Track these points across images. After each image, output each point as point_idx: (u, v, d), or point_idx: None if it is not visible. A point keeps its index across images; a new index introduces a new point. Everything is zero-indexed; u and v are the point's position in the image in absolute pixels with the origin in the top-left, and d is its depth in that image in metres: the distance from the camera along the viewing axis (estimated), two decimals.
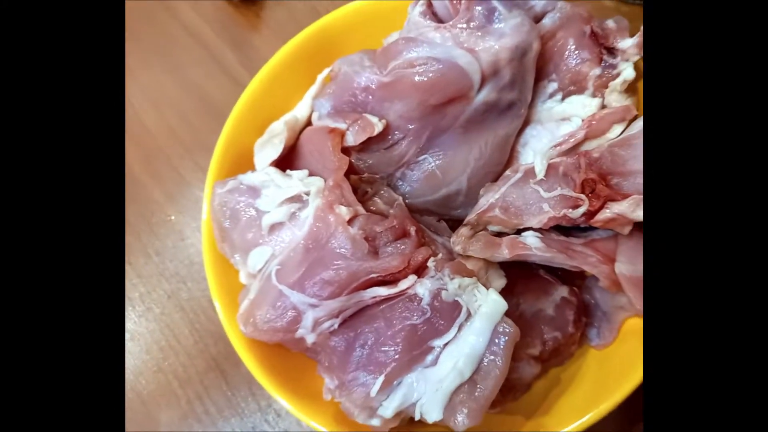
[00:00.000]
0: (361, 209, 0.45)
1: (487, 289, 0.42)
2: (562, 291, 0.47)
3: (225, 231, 0.48)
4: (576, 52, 0.48)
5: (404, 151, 0.48)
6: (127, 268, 0.62)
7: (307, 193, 0.46)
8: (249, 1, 0.69)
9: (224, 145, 0.52)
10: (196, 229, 0.62)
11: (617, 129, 0.46)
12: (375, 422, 0.41)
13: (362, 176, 0.49)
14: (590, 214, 0.42)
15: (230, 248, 0.48)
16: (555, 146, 0.46)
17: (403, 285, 0.42)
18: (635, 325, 0.46)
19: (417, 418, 0.41)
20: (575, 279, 0.48)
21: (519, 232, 0.45)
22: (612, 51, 0.48)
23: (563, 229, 0.45)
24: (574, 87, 0.48)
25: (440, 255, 0.44)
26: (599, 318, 0.47)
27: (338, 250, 0.43)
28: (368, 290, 0.42)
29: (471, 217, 0.46)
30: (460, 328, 0.41)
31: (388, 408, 0.41)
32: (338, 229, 0.43)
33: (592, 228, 0.44)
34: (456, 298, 0.41)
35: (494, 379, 0.39)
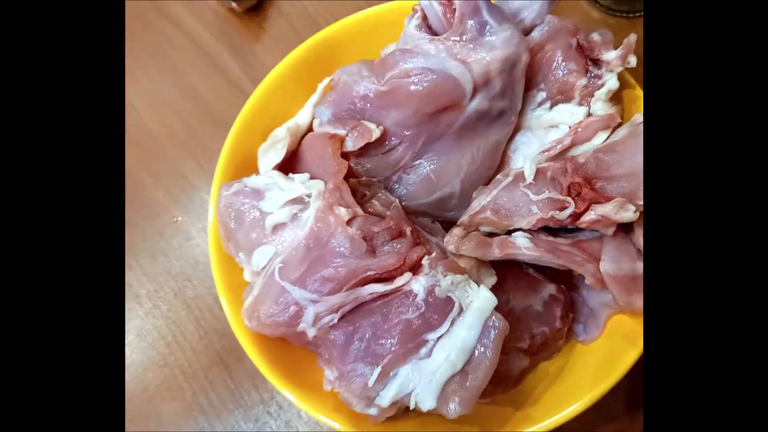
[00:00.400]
0: (359, 210, 0.45)
1: (479, 285, 0.42)
2: (550, 288, 0.47)
3: (230, 231, 0.48)
4: (563, 63, 0.48)
5: (400, 156, 0.49)
6: (135, 267, 0.61)
7: (309, 196, 0.46)
8: (251, 11, 0.70)
9: (230, 150, 0.52)
10: (202, 229, 0.62)
11: (602, 136, 0.46)
12: (372, 411, 0.42)
13: (361, 179, 0.49)
14: (576, 216, 0.42)
15: (235, 247, 0.48)
16: (543, 152, 0.47)
17: (398, 282, 0.42)
18: (620, 322, 0.46)
19: (412, 407, 0.42)
20: (563, 277, 0.48)
21: (509, 232, 0.45)
22: (597, 62, 0.48)
23: (551, 230, 0.45)
24: (561, 96, 0.49)
25: (434, 254, 0.44)
26: (586, 314, 0.48)
27: (338, 249, 0.44)
28: (366, 287, 0.43)
29: (464, 218, 0.46)
30: (452, 323, 0.41)
31: (385, 398, 0.41)
32: (338, 229, 0.44)
33: (578, 229, 0.44)
34: (449, 294, 0.42)
35: (484, 370, 0.40)
